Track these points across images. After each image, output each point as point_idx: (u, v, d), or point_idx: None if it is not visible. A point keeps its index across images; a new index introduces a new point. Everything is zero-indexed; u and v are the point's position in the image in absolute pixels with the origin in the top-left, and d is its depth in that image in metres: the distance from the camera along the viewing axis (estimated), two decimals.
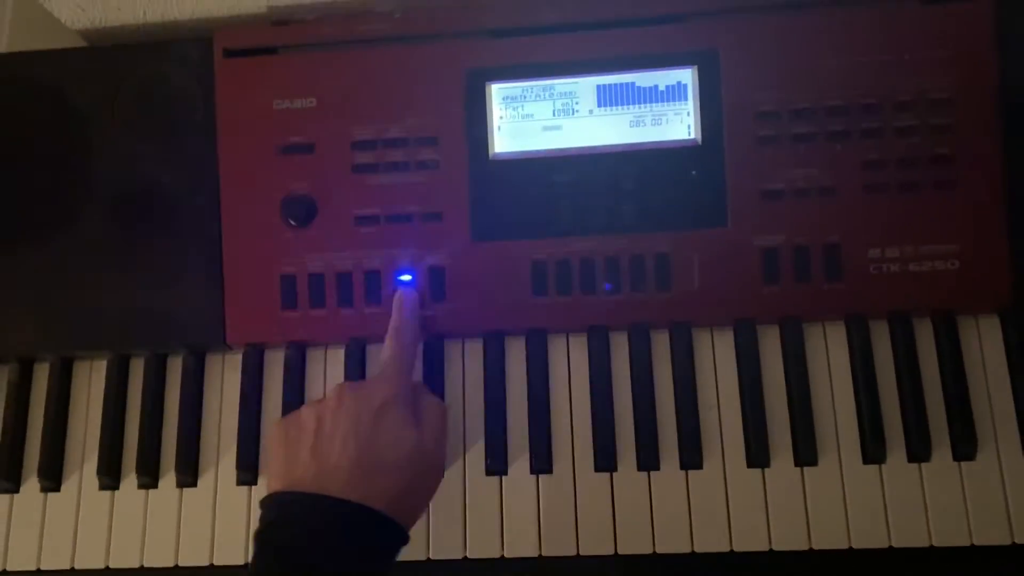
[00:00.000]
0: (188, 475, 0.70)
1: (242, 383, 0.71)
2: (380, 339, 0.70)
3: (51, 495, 0.71)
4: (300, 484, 0.57)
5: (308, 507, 0.56)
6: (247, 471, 0.69)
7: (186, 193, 0.72)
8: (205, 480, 0.70)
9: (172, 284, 0.71)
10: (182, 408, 0.71)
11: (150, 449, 0.71)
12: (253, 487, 0.70)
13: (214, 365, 0.73)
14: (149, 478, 0.70)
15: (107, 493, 0.71)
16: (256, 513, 0.67)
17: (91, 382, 0.73)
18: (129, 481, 0.71)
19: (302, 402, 0.71)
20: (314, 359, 0.72)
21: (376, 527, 0.56)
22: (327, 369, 0.71)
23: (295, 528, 0.55)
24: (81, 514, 0.70)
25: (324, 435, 0.59)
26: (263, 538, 0.56)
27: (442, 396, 0.70)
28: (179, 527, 0.69)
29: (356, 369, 0.70)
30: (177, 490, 0.70)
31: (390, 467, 0.58)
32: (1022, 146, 0.66)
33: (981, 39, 0.67)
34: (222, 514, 0.69)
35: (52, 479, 0.71)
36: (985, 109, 0.67)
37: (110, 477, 0.71)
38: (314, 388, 0.71)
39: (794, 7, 0.68)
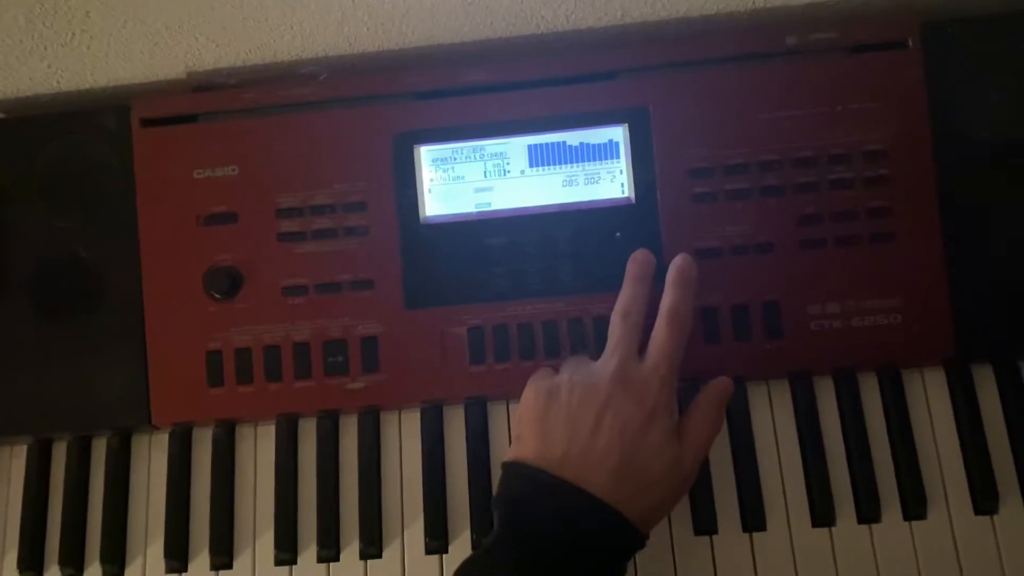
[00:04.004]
0: (115, 565, 0.67)
1: (168, 465, 0.68)
2: (311, 414, 0.68)
3: None
4: (557, 468, 0.56)
5: (567, 497, 0.55)
6: (176, 559, 0.66)
7: (106, 268, 0.69)
8: (132, 570, 0.67)
9: (94, 363, 0.68)
10: (107, 493, 0.68)
11: (74, 538, 0.67)
12: (183, 575, 0.66)
13: (140, 446, 0.69)
14: (73, 569, 0.67)
15: None
16: None
17: (12, 468, 0.70)
18: (52, 573, 0.67)
19: (232, 482, 0.68)
20: (243, 437, 0.69)
21: (627, 536, 0.56)
22: (257, 447, 0.69)
23: (549, 515, 0.55)
24: None
25: (588, 423, 0.57)
26: (512, 511, 0.56)
27: (378, 471, 0.67)
28: None
29: (288, 446, 0.68)
30: None
31: (651, 483, 0.57)
32: (957, 195, 0.66)
33: (912, 87, 0.67)
34: None
35: None
36: (920, 159, 0.66)
37: (32, 570, 0.67)
38: (244, 467, 0.68)
39: (723, 61, 0.67)
